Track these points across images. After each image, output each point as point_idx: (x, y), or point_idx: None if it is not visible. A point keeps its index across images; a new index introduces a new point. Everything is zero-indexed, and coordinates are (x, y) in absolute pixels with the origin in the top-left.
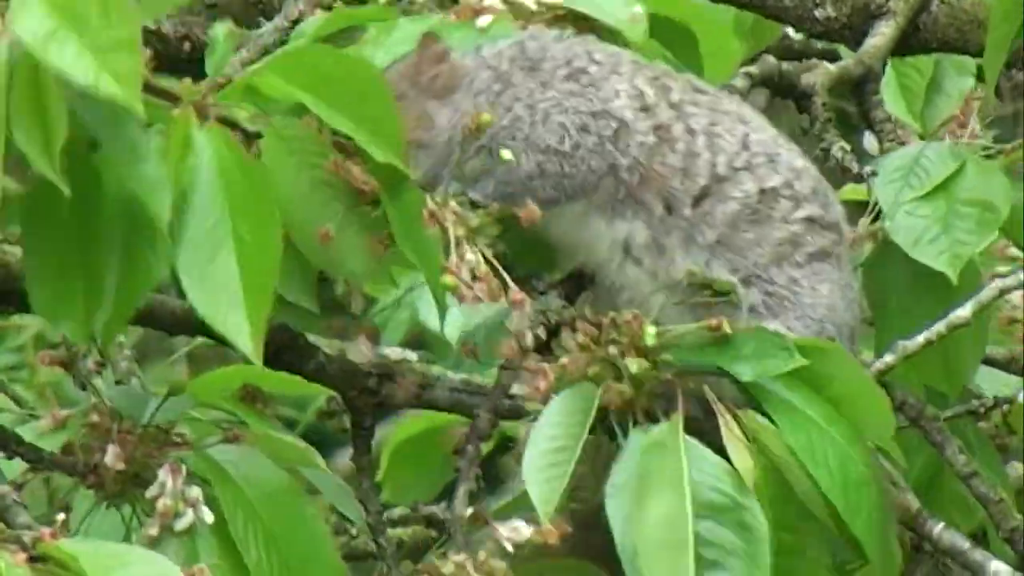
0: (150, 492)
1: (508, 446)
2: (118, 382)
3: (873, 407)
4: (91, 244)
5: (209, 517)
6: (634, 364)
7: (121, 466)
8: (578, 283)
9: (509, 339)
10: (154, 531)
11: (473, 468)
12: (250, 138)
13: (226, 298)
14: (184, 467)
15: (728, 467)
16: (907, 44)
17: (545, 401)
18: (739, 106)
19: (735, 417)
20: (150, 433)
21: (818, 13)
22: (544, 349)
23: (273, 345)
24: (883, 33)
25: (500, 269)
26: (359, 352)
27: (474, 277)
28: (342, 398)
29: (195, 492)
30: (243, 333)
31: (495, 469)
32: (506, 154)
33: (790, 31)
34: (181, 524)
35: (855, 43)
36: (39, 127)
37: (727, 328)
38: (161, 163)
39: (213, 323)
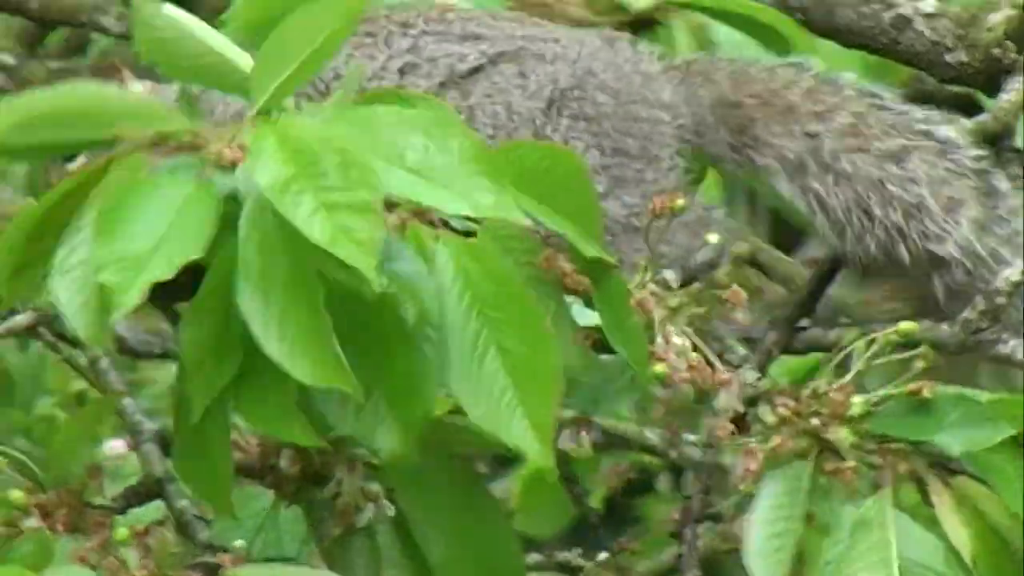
0: (328, 490)
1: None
2: None
3: None
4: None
5: (390, 511)
6: (842, 436)
7: (296, 469)
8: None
9: (718, 419)
10: (336, 529)
11: (695, 554)
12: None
13: (504, 409)
14: (361, 463)
15: (940, 543)
16: None
17: (756, 481)
18: None
19: (947, 486)
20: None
21: (950, 58)
22: (740, 422)
23: None
24: (1017, 89)
25: (704, 348)
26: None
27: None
28: None
29: (374, 487)
30: (528, 440)
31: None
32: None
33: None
34: (362, 520)
35: (989, 89)
36: None
37: (927, 393)
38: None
39: (496, 432)
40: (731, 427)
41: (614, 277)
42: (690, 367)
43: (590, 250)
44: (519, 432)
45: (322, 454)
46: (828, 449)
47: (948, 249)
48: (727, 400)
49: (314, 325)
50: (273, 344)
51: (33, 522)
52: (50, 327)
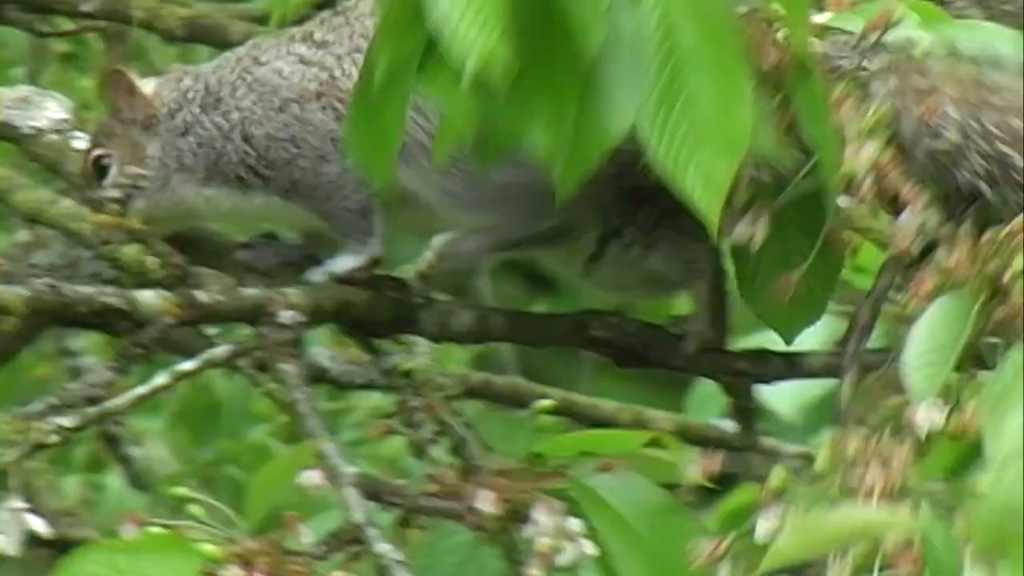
0: (527, 532)
1: None
2: (454, 449)
3: None
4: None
5: (591, 550)
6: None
7: (495, 510)
8: None
9: (900, 233)
10: (536, 571)
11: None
12: None
13: (683, 156)
14: (560, 502)
15: None
16: None
17: (927, 301)
18: None
19: None
20: (523, 468)
21: None
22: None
23: (640, 346)
24: None
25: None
26: None
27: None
28: (721, 386)
29: (574, 525)
30: (698, 192)
31: None
32: None
33: None
34: (563, 560)
35: None
36: None
37: None
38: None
39: (671, 179)
40: (910, 236)
41: (815, 77)
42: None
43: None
44: (692, 182)
45: (521, 489)
46: (1000, 293)
47: None
48: (909, 219)
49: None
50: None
51: (232, 572)
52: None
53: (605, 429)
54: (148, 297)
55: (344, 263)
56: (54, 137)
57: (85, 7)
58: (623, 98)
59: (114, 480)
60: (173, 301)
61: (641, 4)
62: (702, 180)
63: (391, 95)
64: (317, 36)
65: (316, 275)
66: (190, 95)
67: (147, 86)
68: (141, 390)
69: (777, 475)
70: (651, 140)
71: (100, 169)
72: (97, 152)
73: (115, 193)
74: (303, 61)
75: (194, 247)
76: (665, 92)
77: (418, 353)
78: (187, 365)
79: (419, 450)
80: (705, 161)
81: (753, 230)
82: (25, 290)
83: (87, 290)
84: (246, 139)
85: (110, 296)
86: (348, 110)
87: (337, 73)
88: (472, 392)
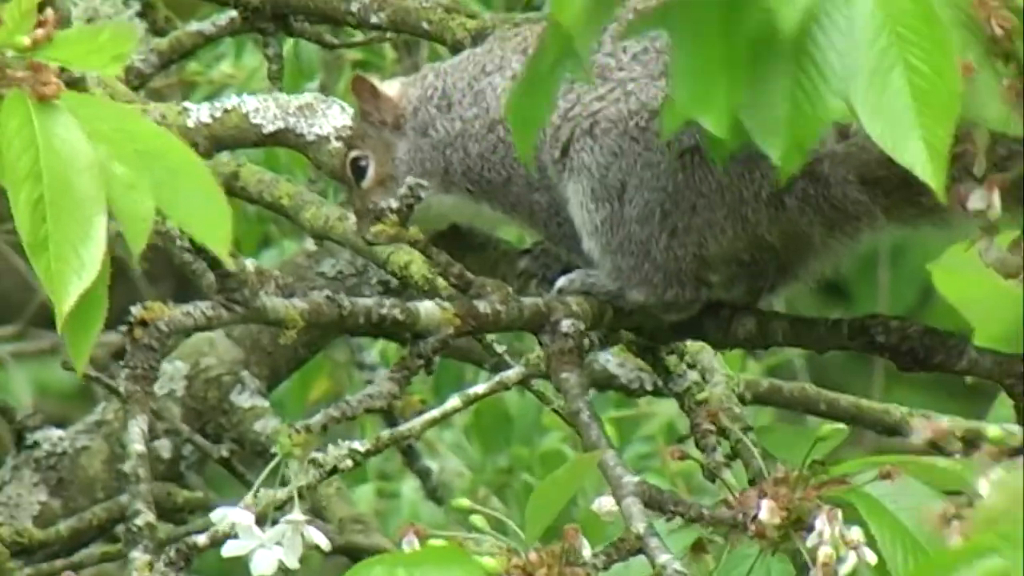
0: (810, 542)
1: None
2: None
3: None
4: (737, 39)
5: (872, 558)
6: None
7: (778, 520)
8: None
9: None
10: None
11: None
12: None
13: (902, 128)
14: (840, 510)
15: None
16: None
17: None
18: None
19: None
20: (804, 476)
21: None
22: None
23: (922, 350)
24: None
25: None
26: None
27: None
28: (1005, 389)
29: (855, 534)
30: (922, 161)
31: None
32: None
33: None
34: (844, 569)
35: None
36: None
37: None
38: None
39: (892, 151)
40: None
41: None
42: None
43: None
44: (914, 152)
45: (803, 497)
46: None
47: None
48: None
49: None
50: None
51: None
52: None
53: (895, 436)
54: (428, 308)
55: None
56: (338, 144)
57: (374, 19)
58: (839, 73)
59: (409, 489)
60: (453, 311)
61: None
62: (925, 150)
63: (549, 80)
64: (529, 50)
65: (566, 282)
66: (429, 93)
67: (392, 88)
68: (434, 413)
69: (994, 432)
70: (865, 113)
71: (358, 170)
72: (354, 154)
73: (395, 204)
74: (515, 78)
75: (476, 253)
76: (879, 64)
77: (714, 383)
78: (479, 388)
79: (712, 475)
80: (925, 130)
81: (990, 199)
82: (304, 303)
83: (366, 302)
84: (466, 152)
85: (389, 308)
86: (515, 87)
87: None
88: (760, 399)
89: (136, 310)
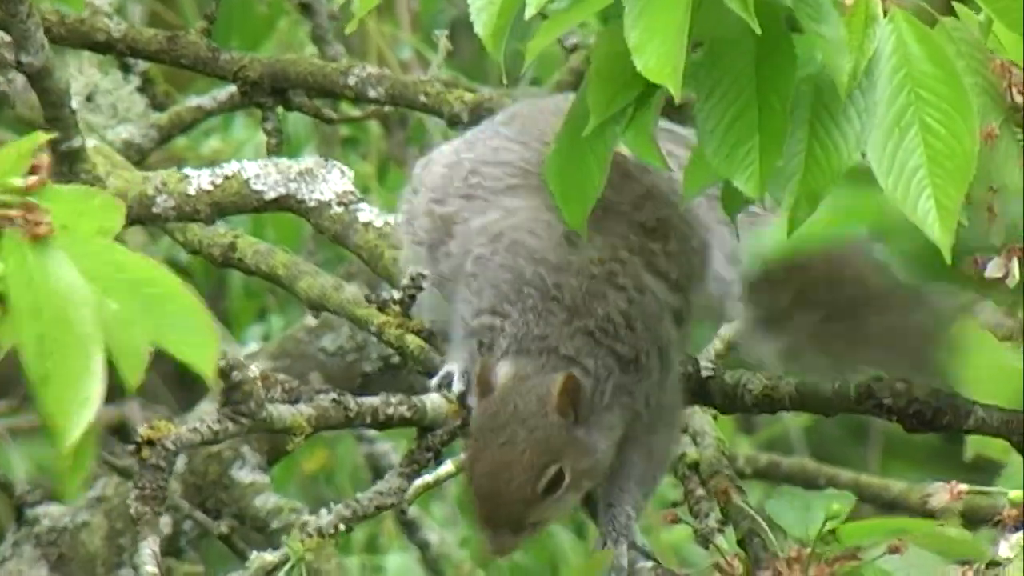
0: None
1: None
2: (740, 542)
3: None
4: (771, 98)
5: None
6: None
7: None
8: None
9: None
10: None
11: None
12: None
13: (914, 186)
14: None
15: None
16: None
17: None
18: None
19: None
20: (815, 553)
21: None
22: None
23: (929, 411)
24: None
25: None
26: None
27: None
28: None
29: None
30: (931, 220)
31: None
32: None
33: None
34: None
35: None
36: None
37: None
38: (842, 26)
39: (902, 207)
40: None
41: None
42: None
43: None
44: (924, 211)
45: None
46: None
47: None
48: None
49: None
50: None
51: None
52: None
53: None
54: (434, 401)
55: None
56: (339, 209)
57: (372, 93)
58: (856, 127)
59: (394, 562)
60: (458, 404)
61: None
62: (935, 209)
63: (596, 143)
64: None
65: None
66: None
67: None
68: (427, 478)
69: (1015, 494)
70: (880, 168)
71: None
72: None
73: (397, 295)
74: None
75: None
76: (896, 122)
77: (705, 445)
78: None
79: (705, 540)
80: (937, 190)
81: (1007, 267)
82: (310, 408)
83: (372, 401)
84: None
85: (396, 405)
86: (553, 149)
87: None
88: (760, 473)
89: (142, 430)
